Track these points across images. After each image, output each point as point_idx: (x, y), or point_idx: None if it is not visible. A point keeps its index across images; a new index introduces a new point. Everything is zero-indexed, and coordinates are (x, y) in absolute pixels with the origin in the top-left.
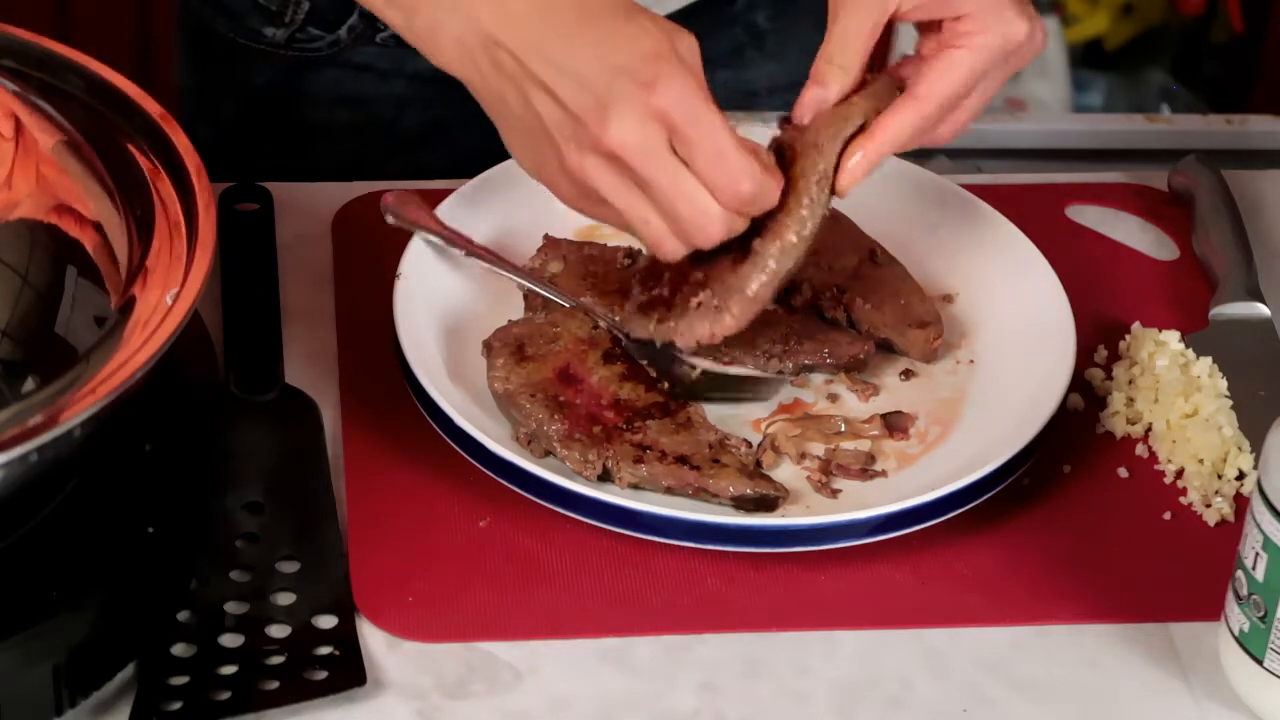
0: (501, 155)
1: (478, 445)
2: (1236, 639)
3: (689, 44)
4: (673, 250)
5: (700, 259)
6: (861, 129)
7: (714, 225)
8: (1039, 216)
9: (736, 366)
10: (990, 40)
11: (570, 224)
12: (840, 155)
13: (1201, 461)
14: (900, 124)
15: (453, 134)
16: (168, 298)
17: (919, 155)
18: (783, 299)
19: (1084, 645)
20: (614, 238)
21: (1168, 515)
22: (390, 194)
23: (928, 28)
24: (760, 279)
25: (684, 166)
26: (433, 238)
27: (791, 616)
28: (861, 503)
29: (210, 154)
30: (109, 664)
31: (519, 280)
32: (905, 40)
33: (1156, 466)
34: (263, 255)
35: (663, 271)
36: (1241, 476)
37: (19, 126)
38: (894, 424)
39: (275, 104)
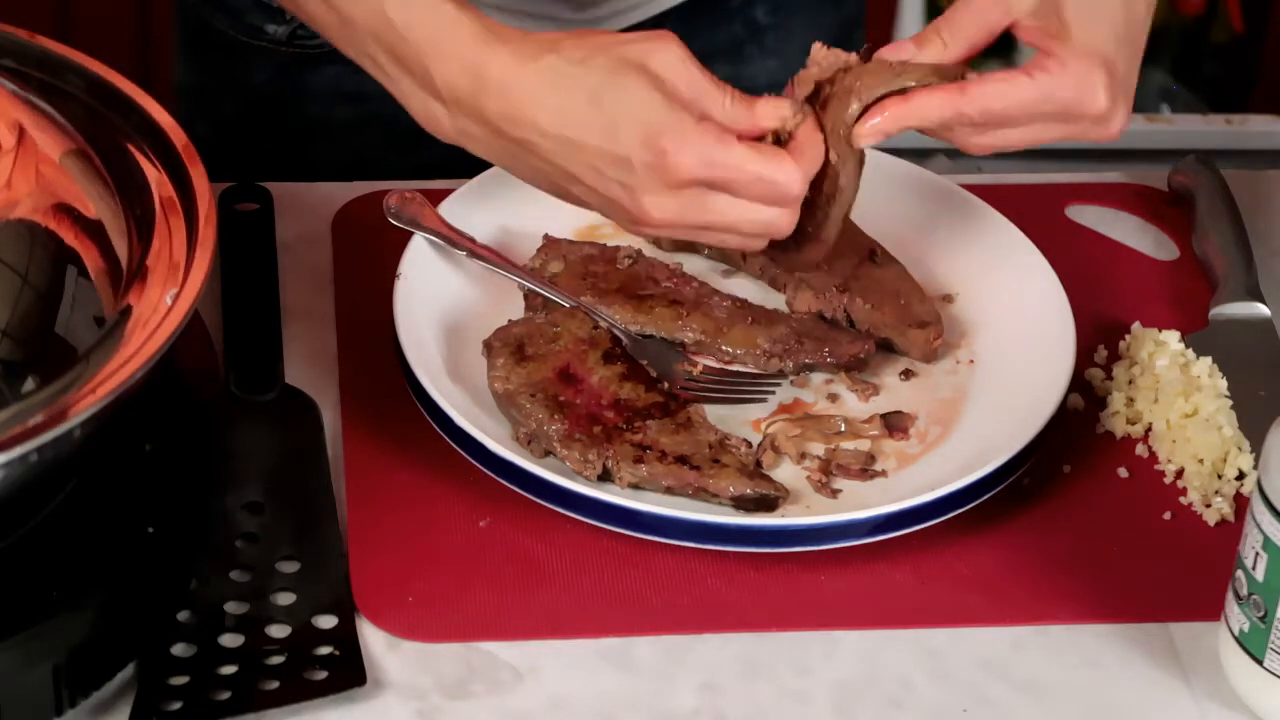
0: None
1: (478, 445)
2: (1236, 639)
3: (662, 58)
4: (758, 247)
5: None
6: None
7: (781, 223)
8: (1039, 216)
9: (736, 365)
10: (1062, 90)
11: (570, 224)
12: (868, 108)
13: (1201, 461)
14: (934, 103)
15: None
16: (168, 298)
17: (919, 155)
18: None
19: (1084, 645)
20: (614, 237)
21: (1168, 515)
22: (392, 193)
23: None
24: (826, 229)
25: (731, 198)
26: (434, 237)
27: (791, 616)
28: (861, 503)
29: (210, 153)
30: (109, 664)
31: (519, 280)
32: None
33: (1156, 466)
34: (263, 255)
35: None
36: (1241, 476)
37: (21, 130)
38: (894, 424)
39: (275, 101)
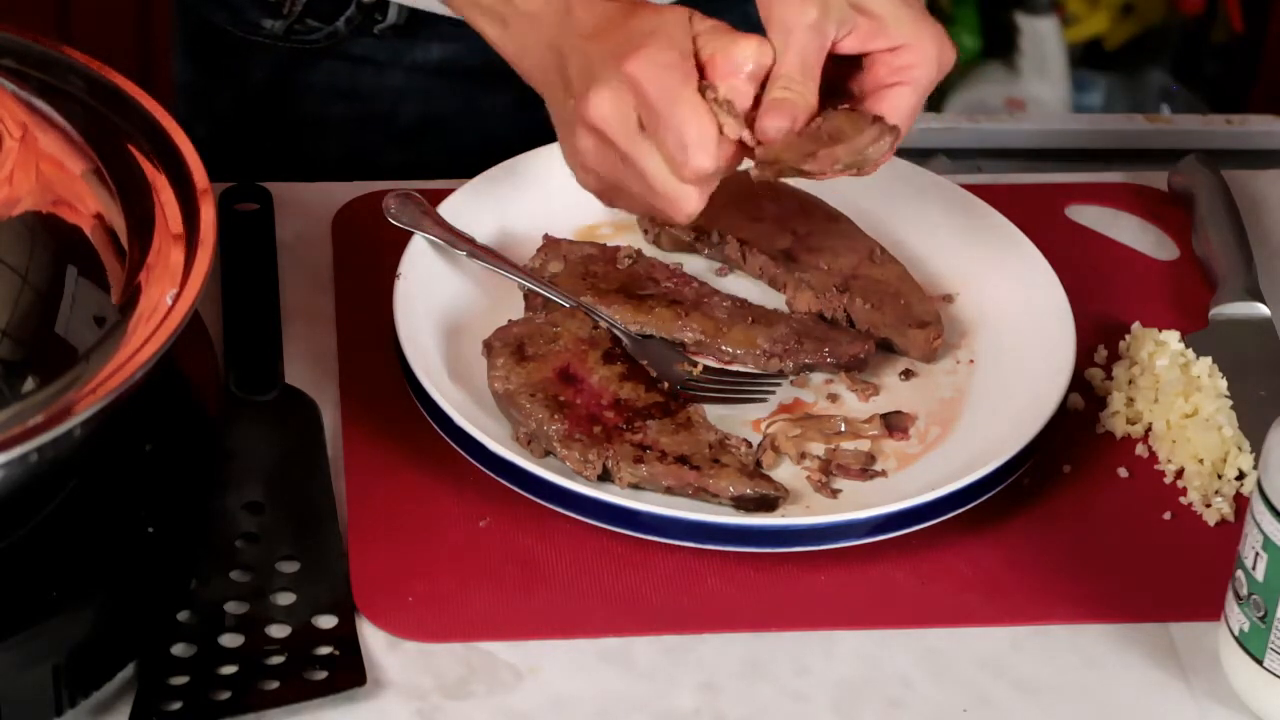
0: (498, 150)
1: (478, 445)
2: (1236, 639)
3: (638, 66)
4: (667, 218)
5: None
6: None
7: (688, 203)
8: (1039, 216)
9: (737, 365)
10: (929, 73)
11: (570, 224)
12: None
13: (1201, 461)
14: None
15: (450, 127)
16: (168, 298)
17: (919, 155)
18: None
19: (1084, 645)
20: (614, 237)
21: (1168, 515)
22: (392, 193)
23: (861, 63)
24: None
25: (653, 145)
26: (434, 237)
27: (791, 616)
28: (861, 503)
29: (208, 151)
30: (109, 664)
31: (519, 280)
32: None
33: (1156, 466)
34: (263, 255)
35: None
36: (1241, 476)
37: (24, 129)
38: (894, 424)
39: (272, 98)
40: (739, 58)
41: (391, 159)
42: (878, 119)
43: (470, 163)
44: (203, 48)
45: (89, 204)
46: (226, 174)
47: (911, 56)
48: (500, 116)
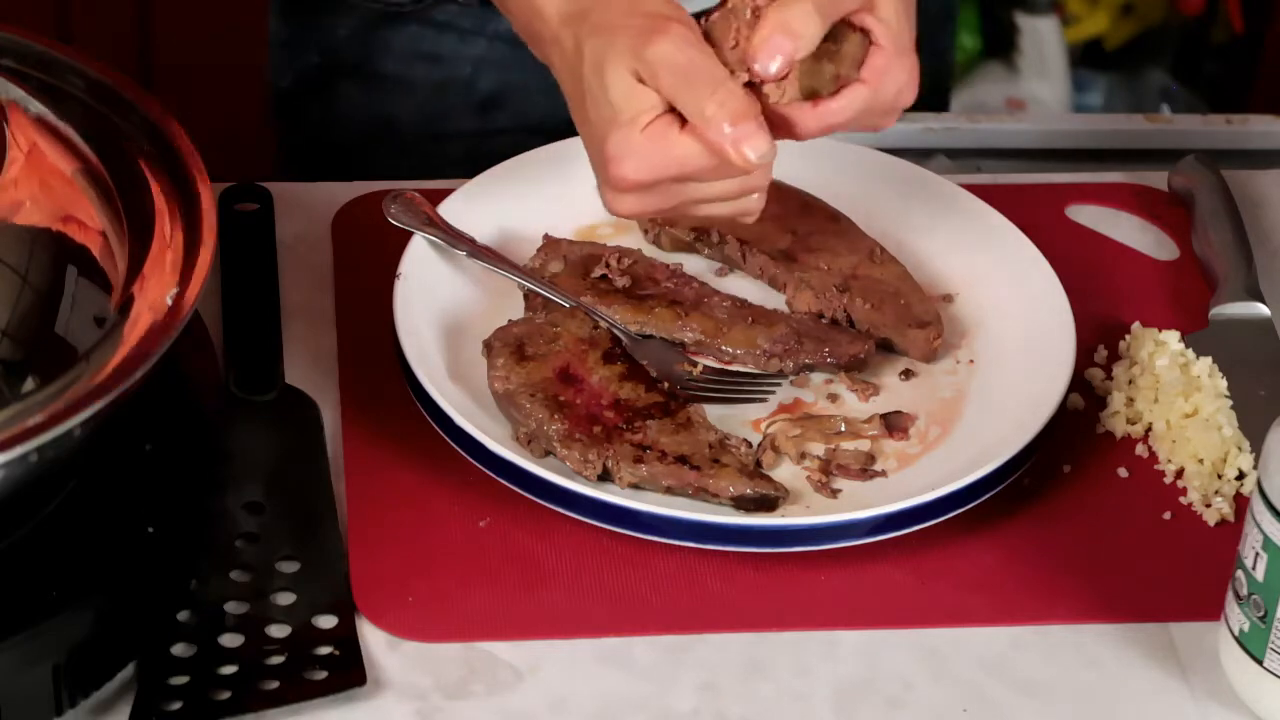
0: (568, 123)
1: (478, 445)
2: (1236, 639)
3: (657, 49)
4: (752, 212)
5: None
6: None
7: (754, 185)
8: (1039, 216)
9: (736, 365)
10: (887, 93)
11: (570, 224)
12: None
13: (1201, 461)
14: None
15: (526, 98)
16: (168, 298)
17: (919, 155)
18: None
19: (1084, 645)
20: (614, 238)
21: (1168, 515)
22: (392, 193)
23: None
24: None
25: (692, 184)
26: (434, 237)
27: (791, 616)
28: (861, 503)
29: (210, 153)
30: (109, 664)
31: (519, 280)
32: None
33: (1156, 466)
34: (263, 255)
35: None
36: (1241, 476)
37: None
38: (894, 424)
39: (357, 54)
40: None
41: (465, 123)
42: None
43: (542, 134)
44: (294, 4)
45: (89, 205)
46: (227, 176)
47: (885, 65)
48: None
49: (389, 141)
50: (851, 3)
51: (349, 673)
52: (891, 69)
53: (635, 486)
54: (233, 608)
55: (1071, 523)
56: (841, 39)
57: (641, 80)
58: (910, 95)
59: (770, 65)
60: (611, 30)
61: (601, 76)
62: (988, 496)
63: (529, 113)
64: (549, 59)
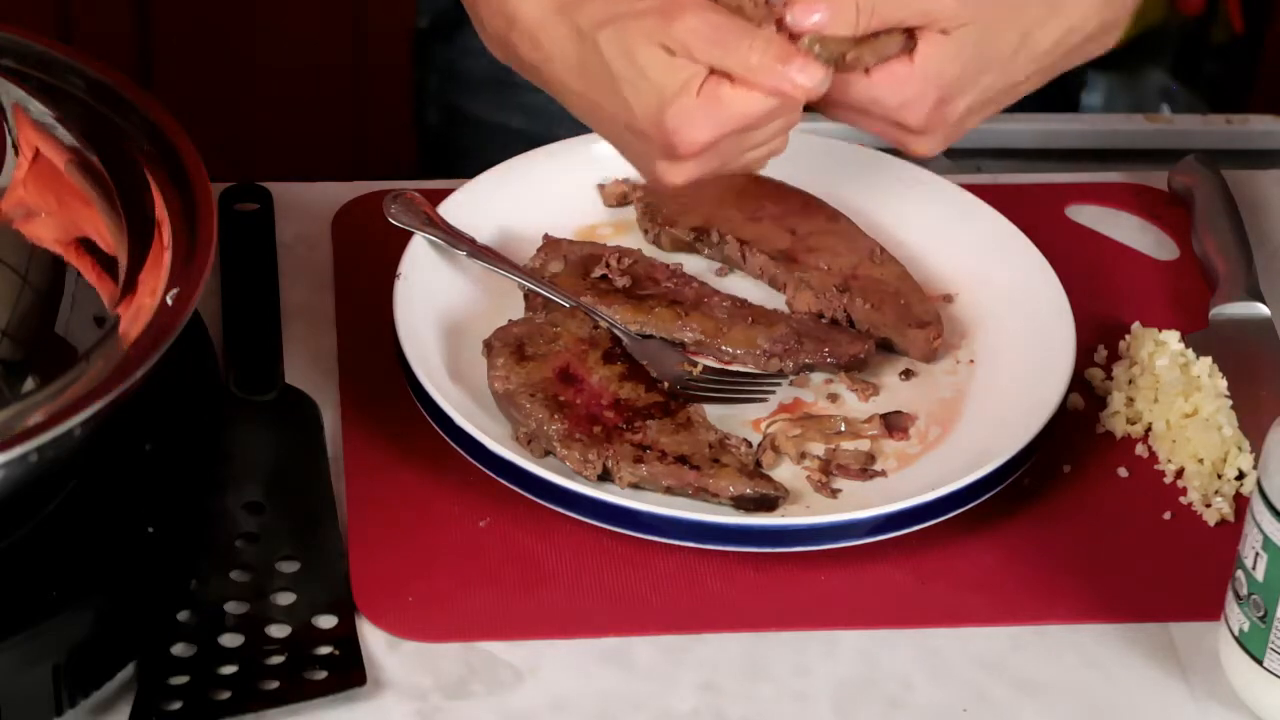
0: None
1: (478, 445)
2: (1236, 639)
3: (682, 24)
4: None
5: None
6: None
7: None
8: (1039, 216)
9: (737, 365)
10: (889, 100)
11: (570, 224)
12: None
13: (1201, 461)
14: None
15: None
16: (168, 298)
17: None
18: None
19: (1084, 645)
20: (614, 237)
21: (1168, 515)
22: (392, 193)
23: None
24: None
25: (746, 134)
26: (434, 237)
27: (791, 616)
28: (861, 503)
29: (210, 153)
30: (109, 664)
31: (519, 280)
32: None
33: (1156, 466)
34: (263, 255)
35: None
36: (1241, 476)
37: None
38: (894, 424)
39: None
40: None
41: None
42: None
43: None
44: None
45: (89, 205)
46: (227, 176)
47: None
48: None
49: (513, 85)
50: (906, 14)
51: (349, 673)
52: (906, 81)
53: (635, 486)
54: (233, 608)
55: (1071, 523)
56: (884, 34)
57: (672, 54)
58: (913, 117)
59: (805, 19)
60: (623, 18)
61: (634, 60)
62: (988, 496)
63: None
64: (519, 55)
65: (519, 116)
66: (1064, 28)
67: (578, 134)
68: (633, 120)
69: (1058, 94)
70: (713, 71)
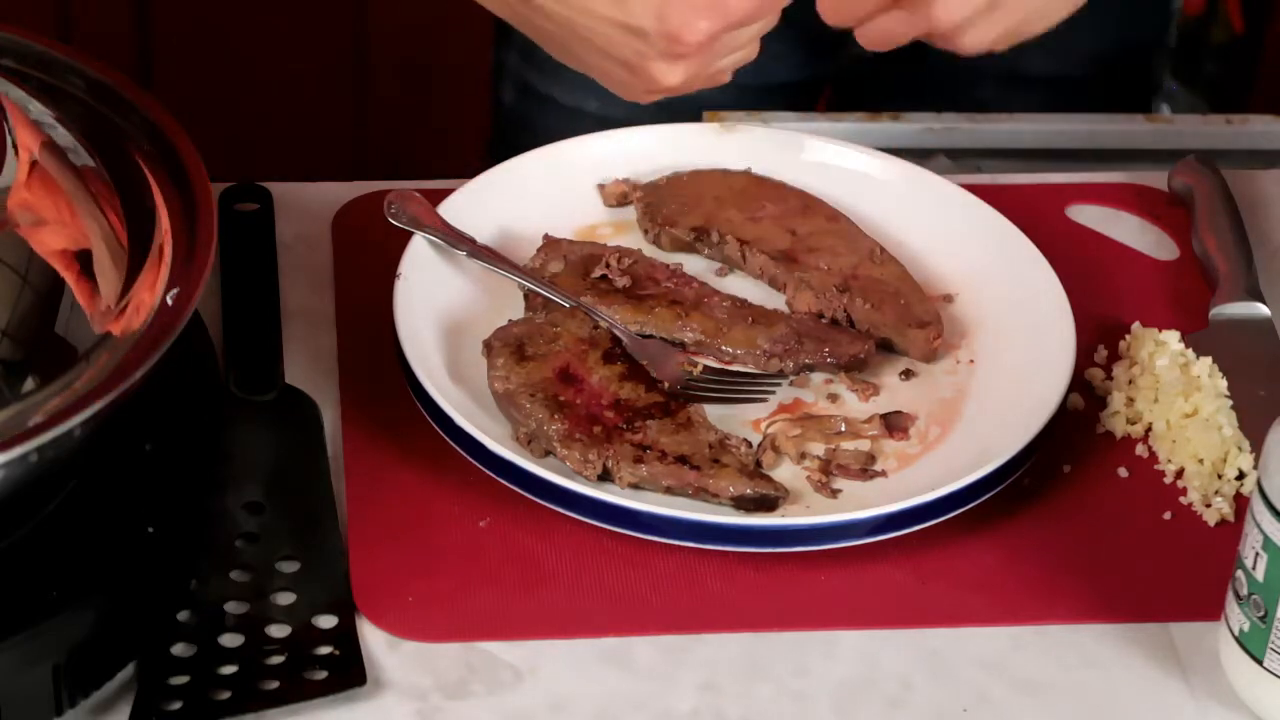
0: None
1: (478, 445)
2: (1236, 639)
3: None
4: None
5: None
6: None
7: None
8: (1039, 216)
9: (737, 365)
10: None
11: (570, 224)
12: None
13: (1201, 461)
14: None
15: None
16: (168, 298)
17: (919, 155)
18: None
19: (1084, 645)
20: (614, 237)
21: (1168, 515)
22: (393, 193)
23: None
24: None
25: (736, 32)
26: (434, 237)
27: (791, 616)
28: (861, 503)
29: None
30: (109, 664)
31: (519, 280)
32: None
33: (1156, 466)
34: (263, 255)
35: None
36: (1241, 476)
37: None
38: (894, 424)
39: None
40: None
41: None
42: None
43: (735, 96)
44: None
45: (89, 205)
46: (227, 176)
47: None
48: (777, 55)
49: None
50: None
51: (349, 673)
52: None
53: (635, 486)
54: (233, 608)
55: (1071, 523)
56: None
57: None
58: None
59: None
60: None
61: None
62: (988, 496)
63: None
64: None
65: (594, 100)
66: None
67: (650, 121)
68: (630, 17)
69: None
70: None
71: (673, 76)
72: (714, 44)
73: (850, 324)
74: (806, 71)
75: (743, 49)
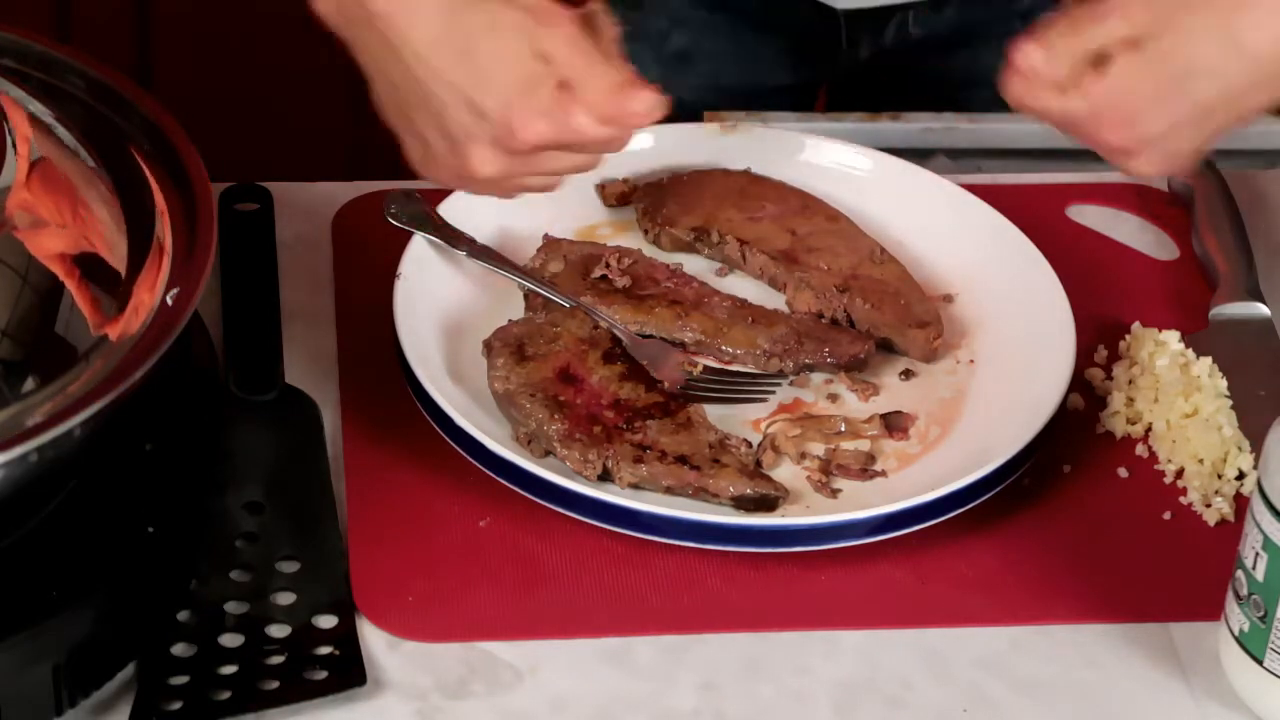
0: (760, 93)
1: (478, 445)
2: (1236, 639)
3: (555, 27)
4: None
5: None
6: None
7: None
8: (1039, 216)
9: (737, 365)
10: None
11: (570, 224)
12: None
13: (1201, 461)
14: None
15: (717, 62)
16: (168, 298)
17: (919, 155)
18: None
19: (1084, 645)
20: (614, 237)
21: (1168, 515)
22: (393, 193)
23: None
24: None
25: (561, 153)
26: (434, 237)
27: (791, 616)
28: (861, 503)
29: (210, 153)
30: (109, 664)
31: (519, 280)
32: None
33: (1156, 466)
34: (263, 255)
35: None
36: (1241, 476)
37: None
38: (894, 424)
39: None
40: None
41: (651, 74)
42: None
43: (727, 100)
44: None
45: (89, 205)
46: (227, 176)
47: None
48: (768, 61)
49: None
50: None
51: (349, 673)
52: (1097, 99)
53: (635, 486)
54: (233, 608)
55: (1071, 523)
56: None
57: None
58: (1111, 135)
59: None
60: (503, 6)
61: (501, 41)
62: (988, 496)
63: (719, 76)
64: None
65: None
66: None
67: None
68: (475, 96)
69: None
70: (561, 85)
71: (490, 166)
72: (542, 153)
73: (850, 324)
74: (799, 76)
75: (577, 167)
